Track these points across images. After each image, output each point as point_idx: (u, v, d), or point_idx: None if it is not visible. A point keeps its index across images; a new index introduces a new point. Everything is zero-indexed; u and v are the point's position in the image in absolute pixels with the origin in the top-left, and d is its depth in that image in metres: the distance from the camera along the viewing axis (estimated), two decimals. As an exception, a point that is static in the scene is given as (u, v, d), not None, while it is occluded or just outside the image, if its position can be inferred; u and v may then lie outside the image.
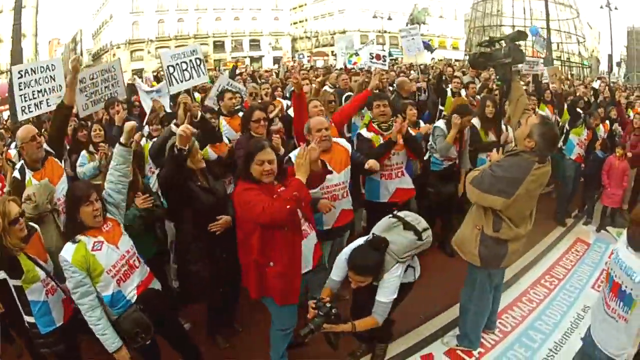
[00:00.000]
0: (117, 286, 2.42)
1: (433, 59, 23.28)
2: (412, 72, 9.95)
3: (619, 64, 34.76)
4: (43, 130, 4.52)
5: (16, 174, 3.20)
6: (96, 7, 36.88)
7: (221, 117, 4.32)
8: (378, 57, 7.91)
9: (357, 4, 38.06)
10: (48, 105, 4.49)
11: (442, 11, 40.50)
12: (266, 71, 17.73)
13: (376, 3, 37.16)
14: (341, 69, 10.71)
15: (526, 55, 5.81)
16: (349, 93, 5.79)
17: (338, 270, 2.75)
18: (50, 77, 4.51)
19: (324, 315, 2.50)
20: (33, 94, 4.41)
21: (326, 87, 6.21)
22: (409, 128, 3.83)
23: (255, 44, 38.41)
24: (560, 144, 5.70)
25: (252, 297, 2.79)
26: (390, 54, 18.65)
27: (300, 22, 42.25)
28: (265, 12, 38.50)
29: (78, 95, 4.45)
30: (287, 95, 6.58)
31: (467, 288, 3.25)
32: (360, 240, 2.80)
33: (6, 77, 19.17)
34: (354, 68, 10.21)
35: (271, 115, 4.17)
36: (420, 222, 2.83)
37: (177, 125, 3.19)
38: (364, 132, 3.95)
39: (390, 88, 6.78)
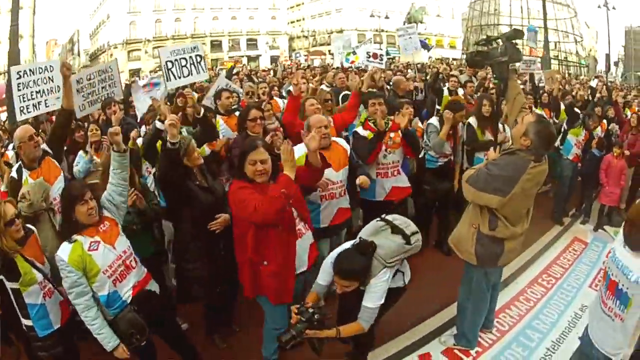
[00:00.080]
0: (113, 286, 2.42)
1: (430, 57, 23.29)
2: (409, 71, 9.96)
3: (616, 64, 34.91)
4: (40, 130, 4.51)
5: (13, 173, 3.20)
6: (93, 8, 36.92)
7: (218, 116, 4.31)
8: (375, 56, 7.95)
9: (355, 3, 38.16)
10: (46, 106, 4.50)
11: (439, 10, 40.64)
12: (264, 70, 17.71)
13: (373, 2, 37.24)
14: (338, 67, 10.71)
15: (523, 54, 5.81)
16: (346, 92, 5.77)
17: (324, 274, 2.65)
18: (49, 78, 4.52)
19: (306, 321, 2.41)
20: (31, 95, 4.42)
21: (323, 86, 6.20)
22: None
23: (252, 43, 38.46)
24: (558, 143, 5.72)
25: (246, 296, 2.79)
26: (387, 53, 18.69)
27: (297, 21, 42.33)
28: (263, 12, 38.57)
29: (75, 96, 4.43)
30: (284, 94, 6.57)
31: (464, 287, 3.25)
32: (347, 244, 2.72)
33: (3, 78, 19.13)
34: (351, 67, 10.21)
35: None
36: (409, 226, 2.73)
37: (162, 122, 3.18)
38: (360, 130, 3.95)
39: (388, 87, 6.78)
